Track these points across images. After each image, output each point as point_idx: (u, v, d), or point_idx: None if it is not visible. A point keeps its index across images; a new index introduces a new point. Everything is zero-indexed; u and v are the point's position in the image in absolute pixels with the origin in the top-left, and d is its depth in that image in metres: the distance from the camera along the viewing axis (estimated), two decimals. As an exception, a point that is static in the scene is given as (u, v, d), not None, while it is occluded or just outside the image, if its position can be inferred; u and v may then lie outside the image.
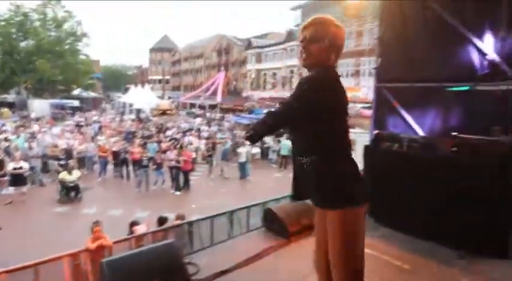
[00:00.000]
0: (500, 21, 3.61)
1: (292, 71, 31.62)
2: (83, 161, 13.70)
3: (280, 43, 33.50)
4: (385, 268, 3.17)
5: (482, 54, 3.83)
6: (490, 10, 3.71)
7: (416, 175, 3.80)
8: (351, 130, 1.81)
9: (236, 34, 47.05)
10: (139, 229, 6.08)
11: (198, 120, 27.96)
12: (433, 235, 3.64)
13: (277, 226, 4.42)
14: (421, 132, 4.79)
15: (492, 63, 3.68)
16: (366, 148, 4.73)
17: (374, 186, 3.72)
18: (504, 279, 3.11)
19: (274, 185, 11.93)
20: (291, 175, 1.90)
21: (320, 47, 1.62)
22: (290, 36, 31.91)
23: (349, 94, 1.78)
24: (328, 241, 1.68)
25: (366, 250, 1.71)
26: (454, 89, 4.33)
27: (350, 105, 1.96)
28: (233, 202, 8.80)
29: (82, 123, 23.39)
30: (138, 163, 12.18)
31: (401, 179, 3.89)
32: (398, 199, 3.96)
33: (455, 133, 3.89)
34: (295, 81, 30.28)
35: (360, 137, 9.00)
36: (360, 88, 21.50)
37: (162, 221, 6.40)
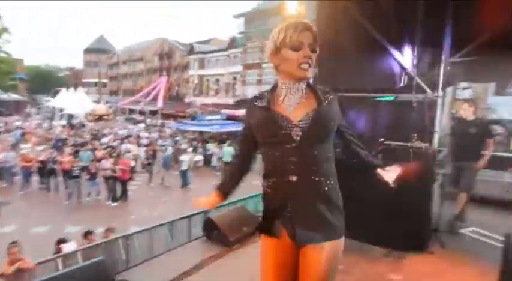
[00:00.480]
0: (417, 38, 4.05)
1: (235, 78, 31.87)
2: (0, 173, 12.21)
3: (223, 50, 33.59)
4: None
5: (402, 68, 4.25)
6: (408, 29, 4.12)
7: (344, 179, 4.02)
8: None
9: (178, 38, 46.19)
10: (67, 247, 5.54)
11: (140, 126, 26.75)
12: (362, 235, 3.88)
13: (218, 235, 4.37)
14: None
15: (410, 76, 4.09)
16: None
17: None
18: (425, 270, 3.43)
19: (218, 192, 11.76)
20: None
21: (315, 57, 1.39)
22: (233, 43, 32.20)
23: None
24: (304, 273, 1.45)
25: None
26: (382, 99, 4.72)
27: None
28: (174, 211, 8.51)
29: (0, 130, 20.88)
30: (68, 173, 11.21)
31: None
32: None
33: (382, 140, 4.23)
34: (238, 88, 30.63)
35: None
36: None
37: (87, 235, 5.90)
